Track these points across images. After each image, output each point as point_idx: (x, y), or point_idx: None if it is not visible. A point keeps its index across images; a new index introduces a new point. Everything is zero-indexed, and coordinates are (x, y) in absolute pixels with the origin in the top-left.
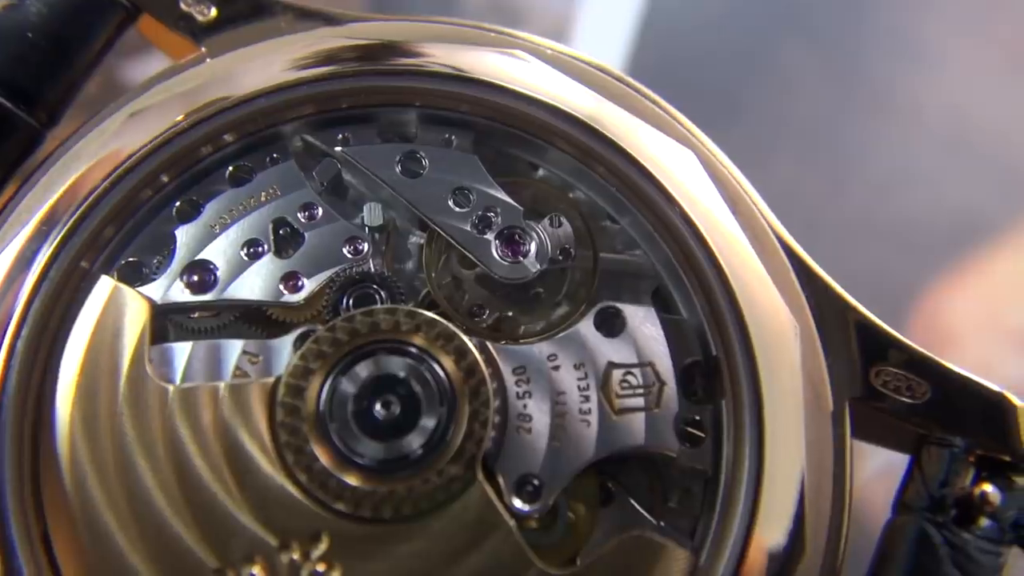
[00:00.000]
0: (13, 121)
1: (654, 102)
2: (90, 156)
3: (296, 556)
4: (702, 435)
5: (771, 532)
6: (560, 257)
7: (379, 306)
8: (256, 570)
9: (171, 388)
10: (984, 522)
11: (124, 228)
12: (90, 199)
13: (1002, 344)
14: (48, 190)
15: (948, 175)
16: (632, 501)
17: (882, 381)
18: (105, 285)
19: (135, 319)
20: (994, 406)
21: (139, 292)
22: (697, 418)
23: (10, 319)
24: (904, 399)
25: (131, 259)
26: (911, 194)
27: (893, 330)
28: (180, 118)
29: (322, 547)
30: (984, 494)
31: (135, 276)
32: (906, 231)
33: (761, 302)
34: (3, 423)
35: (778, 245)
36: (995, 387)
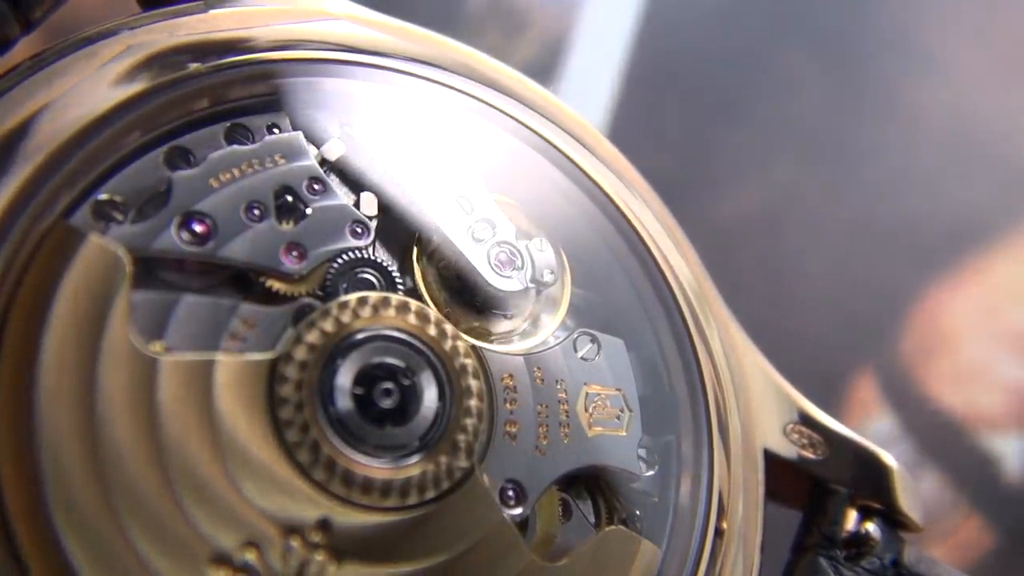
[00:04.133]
0: None
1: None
2: (82, 80)
3: (296, 544)
4: (652, 463)
5: (721, 560)
6: (543, 279)
7: (380, 293)
8: (252, 558)
9: (161, 360)
10: (870, 558)
11: (104, 164)
12: (79, 130)
13: (1000, 346)
14: (23, 105)
15: (948, 177)
16: (584, 515)
17: (792, 438)
18: (79, 238)
19: (115, 280)
20: (876, 465)
21: (119, 246)
22: (649, 448)
23: None
24: (807, 454)
25: (111, 197)
26: (910, 196)
27: (796, 391)
28: (196, 66)
29: (324, 535)
30: (867, 533)
31: (109, 215)
32: (905, 233)
33: (715, 351)
34: None
35: (718, 302)
36: (876, 449)
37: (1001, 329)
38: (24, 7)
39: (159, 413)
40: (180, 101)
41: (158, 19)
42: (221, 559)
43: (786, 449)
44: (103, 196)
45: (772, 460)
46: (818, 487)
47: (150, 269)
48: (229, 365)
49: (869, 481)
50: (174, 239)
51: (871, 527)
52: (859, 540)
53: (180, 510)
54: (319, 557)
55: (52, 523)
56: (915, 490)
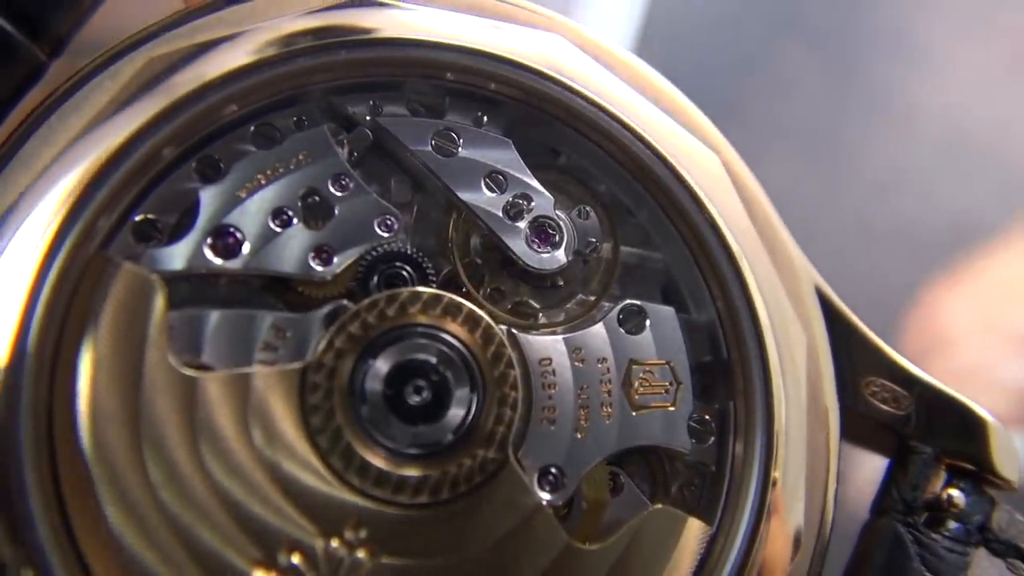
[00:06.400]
0: (15, 48)
1: (678, 101)
2: (108, 104)
3: (337, 544)
4: (708, 433)
5: (777, 528)
6: (586, 249)
7: (408, 288)
8: (297, 560)
9: (200, 377)
10: (952, 524)
11: (138, 184)
12: (112, 154)
13: (998, 346)
14: (57, 134)
15: (945, 177)
16: (638, 490)
17: (871, 391)
18: (115, 266)
19: (151, 305)
20: (968, 421)
21: (151, 271)
22: (707, 417)
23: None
24: (888, 409)
25: (148, 216)
26: (908, 196)
27: (884, 343)
28: (217, 73)
29: (362, 534)
30: (951, 497)
31: (149, 235)
32: (903, 233)
33: (774, 309)
34: (19, 412)
35: (792, 254)
36: (970, 403)
37: (999, 330)
38: (41, 29)
39: (201, 430)
40: (213, 110)
41: (173, 24)
42: (266, 563)
43: (865, 404)
44: (140, 217)
45: (853, 415)
46: (903, 444)
47: (185, 287)
48: (264, 377)
49: (960, 438)
50: (205, 256)
51: (955, 492)
52: (941, 505)
53: (227, 516)
54: (359, 555)
55: (116, 536)
56: (1012, 448)
